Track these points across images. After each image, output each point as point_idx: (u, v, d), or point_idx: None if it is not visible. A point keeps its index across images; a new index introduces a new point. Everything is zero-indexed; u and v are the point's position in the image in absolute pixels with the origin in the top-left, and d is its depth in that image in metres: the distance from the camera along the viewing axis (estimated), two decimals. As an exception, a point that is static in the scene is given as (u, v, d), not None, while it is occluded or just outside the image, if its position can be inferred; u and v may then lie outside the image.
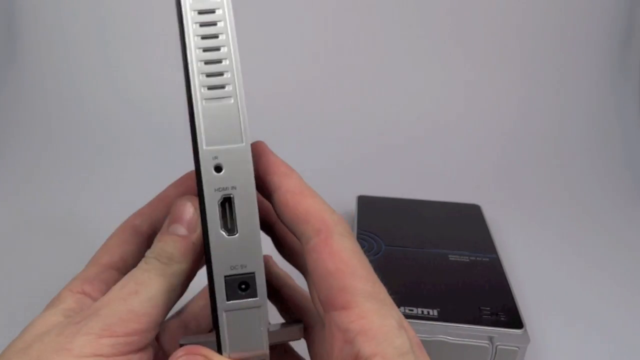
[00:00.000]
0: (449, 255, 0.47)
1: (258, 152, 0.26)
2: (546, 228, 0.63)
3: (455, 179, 0.72)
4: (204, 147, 0.23)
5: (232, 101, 0.23)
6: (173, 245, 0.26)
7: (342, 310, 0.23)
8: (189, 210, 0.26)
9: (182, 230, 0.26)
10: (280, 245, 0.30)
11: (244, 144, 0.23)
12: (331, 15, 0.79)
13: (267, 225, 0.30)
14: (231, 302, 0.24)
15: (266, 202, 0.27)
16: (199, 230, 0.26)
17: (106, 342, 0.23)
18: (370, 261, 0.25)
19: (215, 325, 0.24)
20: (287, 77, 0.79)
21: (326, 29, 0.80)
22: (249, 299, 0.24)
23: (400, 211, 0.56)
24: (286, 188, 0.25)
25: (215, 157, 0.23)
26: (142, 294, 0.25)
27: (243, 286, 0.24)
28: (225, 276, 0.24)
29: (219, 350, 0.24)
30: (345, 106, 0.79)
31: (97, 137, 0.74)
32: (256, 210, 0.24)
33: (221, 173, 0.23)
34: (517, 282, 0.50)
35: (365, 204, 0.57)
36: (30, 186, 0.66)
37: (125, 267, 0.28)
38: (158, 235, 0.27)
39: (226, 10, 0.24)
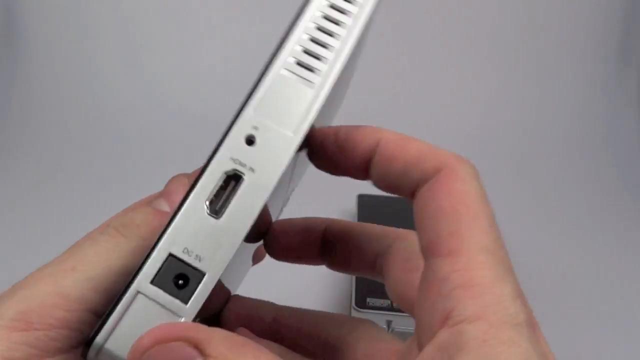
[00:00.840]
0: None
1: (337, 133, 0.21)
2: (546, 228, 0.63)
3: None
4: (250, 111, 0.19)
5: (310, 92, 0.20)
6: (144, 216, 0.21)
7: (446, 256, 0.18)
8: (182, 189, 0.20)
9: (164, 205, 0.21)
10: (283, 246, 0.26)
11: (293, 135, 0.20)
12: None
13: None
14: (154, 287, 0.18)
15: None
16: None
17: (18, 339, 0.18)
18: None
19: (112, 305, 0.18)
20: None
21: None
22: (175, 300, 0.18)
23: (401, 210, 0.56)
24: (386, 140, 0.20)
25: (256, 128, 0.19)
26: (80, 271, 0.19)
27: (180, 281, 0.18)
28: (170, 254, 0.19)
29: (94, 334, 0.18)
30: (345, 105, 0.79)
31: (102, 138, 0.74)
32: (258, 210, 0.19)
33: (250, 146, 0.19)
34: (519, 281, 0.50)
35: (366, 202, 0.57)
36: (33, 186, 0.66)
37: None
38: (132, 205, 0.22)
39: (365, 14, 0.21)
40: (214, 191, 0.19)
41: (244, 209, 0.19)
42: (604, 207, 0.68)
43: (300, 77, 0.20)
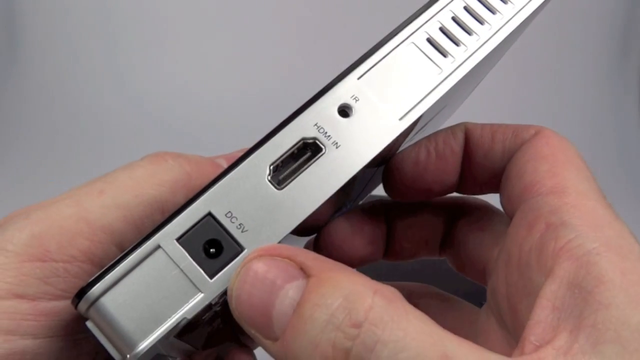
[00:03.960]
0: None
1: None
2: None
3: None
4: (354, 79, 0.16)
5: (435, 78, 0.16)
6: (199, 158, 0.18)
7: (549, 194, 0.16)
8: None
9: (223, 162, 0.18)
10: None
11: (399, 121, 0.16)
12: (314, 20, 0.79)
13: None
14: (179, 247, 0.15)
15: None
16: None
17: (32, 271, 0.15)
18: None
19: (123, 254, 0.15)
20: (277, 72, 0.79)
21: (315, 31, 0.80)
22: (199, 270, 0.15)
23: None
24: (476, 128, 0.19)
25: (355, 98, 0.16)
26: (109, 196, 0.16)
27: (212, 249, 0.15)
28: (209, 213, 0.15)
29: (93, 281, 0.15)
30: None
31: (99, 136, 0.74)
32: (330, 194, 0.15)
33: (342, 118, 0.16)
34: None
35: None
36: (32, 185, 0.66)
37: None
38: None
39: (527, 8, 0.17)
40: (284, 156, 0.15)
41: (313, 187, 0.15)
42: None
43: (429, 57, 0.16)
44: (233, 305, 0.15)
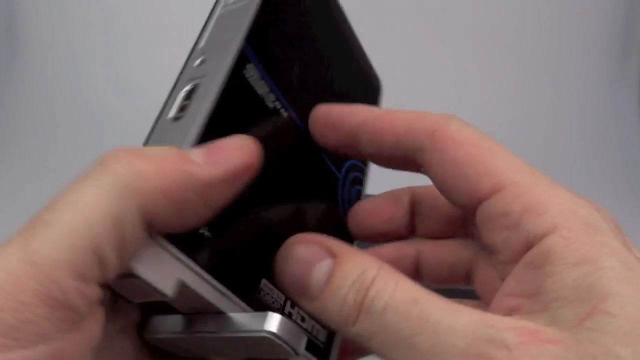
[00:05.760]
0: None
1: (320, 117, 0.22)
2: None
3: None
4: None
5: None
6: (161, 152, 0.16)
7: (492, 195, 0.18)
8: (231, 145, 0.17)
9: (196, 155, 0.17)
10: None
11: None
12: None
13: None
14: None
15: None
16: (215, 171, 0.17)
17: None
18: None
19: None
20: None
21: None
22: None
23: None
24: (372, 116, 0.21)
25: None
26: (55, 227, 0.15)
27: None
28: None
29: None
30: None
31: (98, 136, 0.75)
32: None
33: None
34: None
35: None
36: (32, 184, 0.66)
37: None
38: None
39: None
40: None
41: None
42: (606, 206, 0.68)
43: None
44: (279, 277, 0.20)
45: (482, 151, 0.19)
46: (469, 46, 0.81)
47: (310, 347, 0.22)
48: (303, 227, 0.22)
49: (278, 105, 0.21)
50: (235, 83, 0.19)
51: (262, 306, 0.20)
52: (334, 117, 0.22)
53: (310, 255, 0.20)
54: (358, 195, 0.28)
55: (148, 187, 0.15)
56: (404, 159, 0.21)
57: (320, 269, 0.19)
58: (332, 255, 0.20)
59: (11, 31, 0.78)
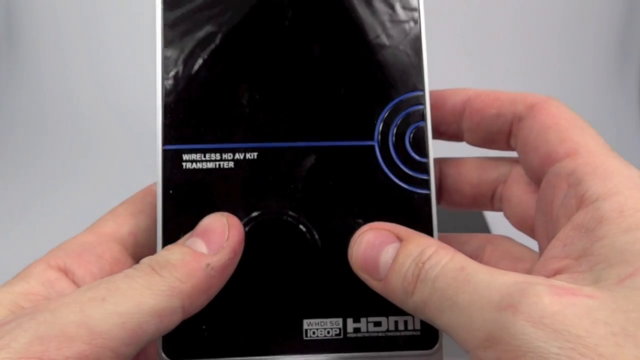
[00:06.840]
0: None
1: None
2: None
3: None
4: None
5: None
6: (181, 256, 0.20)
7: (564, 158, 0.20)
8: (221, 228, 0.21)
9: (200, 245, 0.20)
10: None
11: None
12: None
13: None
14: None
15: None
16: (224, 255, 0.20)
17: None
18: None
19: None
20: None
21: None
22: None
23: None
24: (475, 93, 0.24)
25: None
26: (110, 303, 0.18)
27: None
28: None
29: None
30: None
31: (92, 138, 0.75)
32: None
33: None
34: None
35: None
36: (26, 184, 0.66)
37: (135, 245, 0.22)
38: (168, 246, 0.21)
39: None
40: None
41: None
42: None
43: None
44: (353, 260, 0.22)
45: (568, 124, 0.21)
46: (468, 48, 0.81)
47: (406, 342, 0.23)
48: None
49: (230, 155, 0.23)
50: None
51: (315, 343, 0.22)
52: (435, 99, 0.25)
53: (379, 241, 0.22)
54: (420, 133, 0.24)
55: (184, 289, 0.19)
56: (498, 133, 0.23)
57: (387, 252, 0.21)
58: (400, 239, 0.21)
59: (8, 30, 0.79)
